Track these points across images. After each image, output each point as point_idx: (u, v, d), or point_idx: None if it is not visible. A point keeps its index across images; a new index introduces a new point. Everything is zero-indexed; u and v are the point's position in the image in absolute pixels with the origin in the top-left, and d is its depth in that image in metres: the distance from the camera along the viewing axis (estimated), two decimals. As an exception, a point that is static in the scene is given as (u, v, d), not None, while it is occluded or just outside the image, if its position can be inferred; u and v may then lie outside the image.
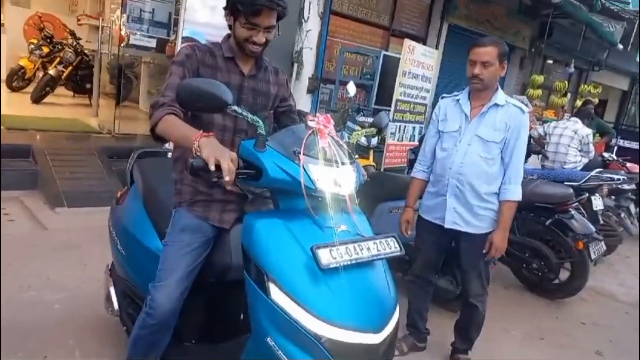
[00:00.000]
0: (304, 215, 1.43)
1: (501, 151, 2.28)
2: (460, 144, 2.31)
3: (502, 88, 2.47)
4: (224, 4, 1.66)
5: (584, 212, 4.04)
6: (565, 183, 4.13)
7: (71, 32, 7.35)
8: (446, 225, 2.37)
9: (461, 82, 8.85)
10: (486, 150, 2.27)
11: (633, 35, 8.88)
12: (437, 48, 7.84)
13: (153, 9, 5.57)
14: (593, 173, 4.44)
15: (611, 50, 10.44)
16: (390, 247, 1.43)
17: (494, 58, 2.20)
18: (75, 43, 7.16)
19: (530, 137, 5.18)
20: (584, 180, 4.35)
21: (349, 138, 3.34)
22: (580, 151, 5.20)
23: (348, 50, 6.89)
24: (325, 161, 1.42)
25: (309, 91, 6.50)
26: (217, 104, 1.38)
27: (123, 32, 5.92)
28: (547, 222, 3.58)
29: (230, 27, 1.68)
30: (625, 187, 5.01)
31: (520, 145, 2.27)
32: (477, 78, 2.23)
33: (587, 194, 4.17)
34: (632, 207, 5.32)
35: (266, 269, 1.35)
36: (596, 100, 9.64)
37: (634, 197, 5.36)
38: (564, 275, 3.68)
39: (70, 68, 7.01)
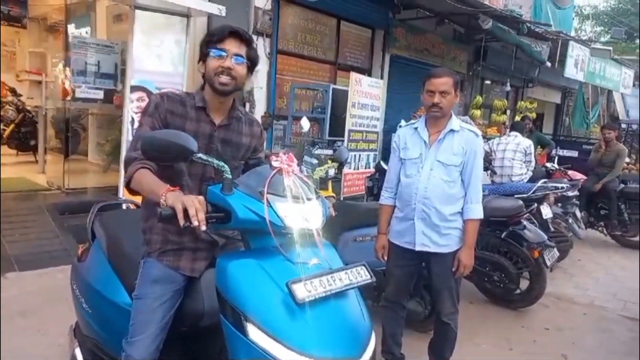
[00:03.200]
0: (276, 252, 1.45)
1: (460, 173, 2.41)
2: (423, 169, 2.42)
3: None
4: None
5: (535, 221, 4.26)
6: (515, 196, 4.36)
7: (11, 90, 7.15)
8: (416, 248, 2.45)
9: (406, 108, 9.24)
10: (447, 173, 2.39)
11: (558, 52, 9.60)
12: (381, 78, 8.17)
13: (98, 61, 5.53)
14: (539, 184, 4.71)
15: (541, 68, 11.22)
16: (361, 275, 1.47)
17: (450, 87, 2.34)
18: (16, 100, 6.96)
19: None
20: (532, 191, 4.60)
21: (306, 172, 3.42)
22: (525, 162, 5.53)
23: (298, 87, 7.07)
24: (292, 198, 1.46)
25: (264, 128, 6.54)
26: (183, 153, 1.41)
27: (67, 86, 5.83)
28: (503, 235, 3.75)
29: (203, 76, 1.70)
30: (569, 194, 5.34)
31: (477, 167, 2.42)
32: (437, 107, 2.34)
33: (536, 204, 4.40)
34: (578, 212, 5.65)
35: (243, 310, 1.35)
36: (534, 115, 10.27)
37: (577, 202, 5.70)
38: (524, 284, 3.83)
39: (12, 126, 6.79)
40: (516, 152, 5.55)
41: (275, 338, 1.29)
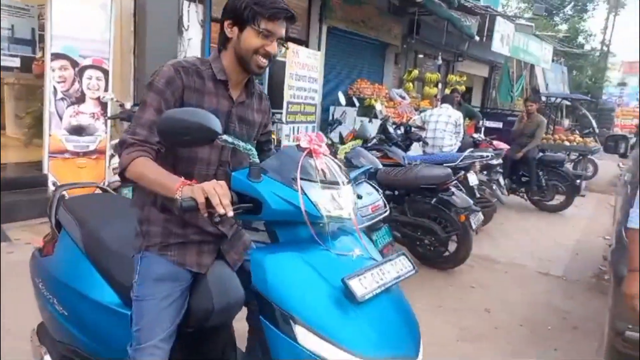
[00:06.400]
0: (315, 244, 1.32)
1: None
2: None
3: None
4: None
5: (462, 188, 4.53)
6: (444, 164, 4.60)
7: None
8: None
9: (344, 80, 9.33)
10: None
11: (486, 27, 10.04)
12: (319, 50, 8.16)
13: (12, 25, 5.08)
14: (466, 153, 4.99)
15: (470, 42, 11.69)
16: (405, 266, 1.36)
17: None
18: None
19: (410, 126, 5.68)
20: (459, 160, 4.87)
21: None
22: (454, 133, 5.84)
23: (233, 57, 6.90)
24: (325, 183, 1.32)
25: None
26: (206, 135, 1.23)
27: (-23, 52, 5.32)
28: (433, 201, 3.97)
29: (226, 41, 1.47)
30: (494, 162, 5.69)
31: None
32: None
33: (463, 172, 4.69)
34: (501, 179, 6.06)
35: (290, 311, 1.21)
36: (463, 88, 10.75)
37: (501, 170, 6.12)
38: (451, 247, 4.10)
39: None
40: (447, 124, 5.83)
41: (330, 341, 1.16)
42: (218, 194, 1.18)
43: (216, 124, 1.23)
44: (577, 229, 6.05)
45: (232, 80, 1.49)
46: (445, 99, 6.36)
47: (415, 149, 6.00)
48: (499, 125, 10.01)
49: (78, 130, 4.65)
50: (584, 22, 24.05)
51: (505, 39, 10.62)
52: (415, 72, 10.05)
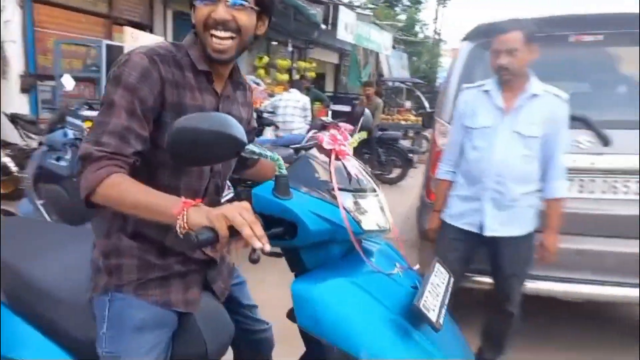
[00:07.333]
0: (357, 265, 1.13)
1: (540, 146, 2.07)
2: (497, 142, 2.07)
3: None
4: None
5: (307, 167, 4.86)
6: (290, 146, 4.88)
7: None
8: (486, 233, 2.12)
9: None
10: (526, 146, 2.05)
11: (331, 16, 10.64)
12: (165, 36, 7.87)
13: None
14: (310, 134, 5.29)
15: (321, 30, 12.27)
16: (444, 275, 1.23)
17: (521, 44, 1.98)
18: None
19: (261, 112, 5.87)
20: (304, 141, 5.18)
21: (73, 135, 3.17)
22: (303, 117, 6.19)
23: (63, 42, 6.32)
24: (359, 191, 1.15)
25: (24, 90, 5.78)
26: (231, 147, 0.96)
27: None
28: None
29: (194, 27, 1.20)
30: (338, 142, 6.18)
31: (563, 138, 2.08)
32: (504, 69, 2.02)
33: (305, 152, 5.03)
34: (346, 157, 6.60)
35: (354, 352, 1.00)
36: (313, 74, 11.29)
37: (346, 149, 6.66)
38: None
39: None
40: (295, 108, 6.16)
41: None
42: (247, 221, 0.90)
43: (241, 132, 0.97)
44: (410, 197, 6.86)
45: (215, 70, 1.21)
46: (293, 85, 6.69)
47: (269, 134, 6.22)
48: (347, 108, 10.75)
49: None
50: (419, 13, 26.75)
51: (349, 28, 11.37)
52: (266, 58, 10.26)
